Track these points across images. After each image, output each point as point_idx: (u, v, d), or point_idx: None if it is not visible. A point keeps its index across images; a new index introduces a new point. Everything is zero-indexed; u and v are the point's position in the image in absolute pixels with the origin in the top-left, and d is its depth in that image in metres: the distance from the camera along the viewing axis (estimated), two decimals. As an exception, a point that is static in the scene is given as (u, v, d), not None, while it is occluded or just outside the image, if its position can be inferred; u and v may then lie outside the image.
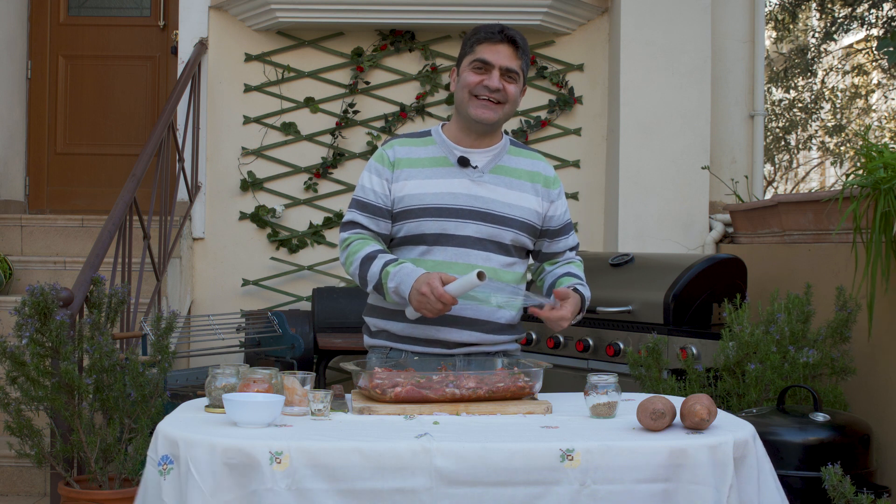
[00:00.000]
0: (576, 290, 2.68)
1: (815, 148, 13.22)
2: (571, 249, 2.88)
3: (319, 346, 5.11)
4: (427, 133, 2.81)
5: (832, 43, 10.91)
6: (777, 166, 13.48)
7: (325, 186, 5.89)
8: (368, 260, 2.64)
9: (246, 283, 5.81)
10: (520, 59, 2.70)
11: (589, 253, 5.10)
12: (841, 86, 12.97)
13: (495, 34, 2.68)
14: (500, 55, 2.67)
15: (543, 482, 2.03)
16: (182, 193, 5.60)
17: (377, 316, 2.76)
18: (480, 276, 2.43)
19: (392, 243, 2.76)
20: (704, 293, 4.17)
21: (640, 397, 2.54)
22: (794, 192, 14.10)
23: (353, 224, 2.74)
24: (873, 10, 10.13)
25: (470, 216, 2.68)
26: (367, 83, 5.90)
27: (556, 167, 5.87)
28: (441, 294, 2.47)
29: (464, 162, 2.71)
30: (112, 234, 4.27)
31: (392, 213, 2.71)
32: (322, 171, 5.86)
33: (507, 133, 2.95)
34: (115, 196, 5.00)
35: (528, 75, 2.77)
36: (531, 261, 2.89)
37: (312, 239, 5.86)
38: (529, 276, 2.90)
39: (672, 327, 4.05)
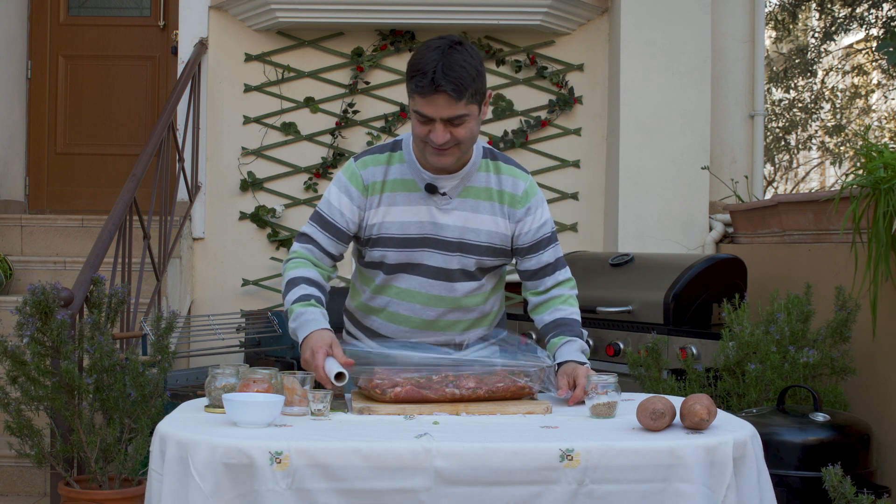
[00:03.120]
0: (569, 360, 2.59)
1: (815, 148, 13.23)
2: (549, 266, 2.71)
3: (319, 346, 5.10)
4: (398, 146, 2.67)
5: (832, 43, 10.92)
6: (777, 166, 13.49)
7: (324, 186, 5.88)
8: (290, 285, 2.60)
9: (246, 283, 5.81)
10: (462, 100, 2.44)
11: (589, 253, 5.11)
12: (841, 86, 12.98)
13: (426, 87, 2.41)
14: (437, 107, 2.44)
15: (542, 482, 2.03)
16: (182, 193, 5.60)
17: (354, 325, 2.83)
18: (339, 377, 2.37)
19: (362, 262, 2.73)
20: (704, 293, 4.17)
21: (640, 397, 2.54)
22: (794, 192, 14.10)
23: (309, 239, 2.67)
24: (873, 11, 10.13)
25: (436, 246, 2.62)
26: (367, 83, 5.90)
27: (555, 167, 5.88)
28: (317, 368, 2.40)
29: (431, 189, 2.61)
30: (112, 234, 4.27)
31: (357, 237, 2.67)
32: (322, 171, 5.86)
33: (493, 139, 2.86)
34: (115, 196, 5.00)
35: (483, 97, 2.52)
36: (507, 272, 2.85)
37: (312, 239, 5.86)
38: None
39: (672, 327, 4.05)
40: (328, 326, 2.52)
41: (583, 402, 2.44)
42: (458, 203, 2.63)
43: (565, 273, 2.76)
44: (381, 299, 2.71)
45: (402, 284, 2.66)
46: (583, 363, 2.58)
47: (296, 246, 2.69)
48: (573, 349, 2.62)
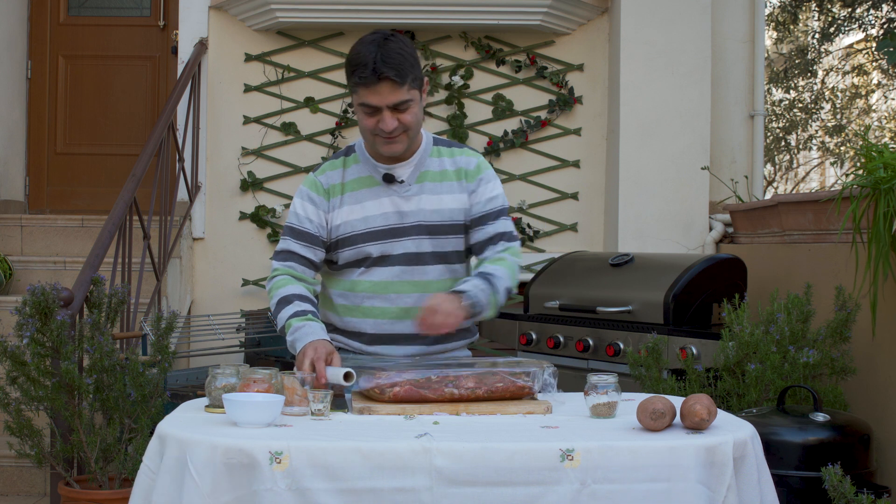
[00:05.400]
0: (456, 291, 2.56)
1: (815, 148, 13.23)
2: (497, 236, 2.71)
3: (319, 346, 5.10)
4: (351, 150, 2.75)
5: (832, 43, 10.92)
6: (777, 166, 13.48)
7: (325, 186, 5.88)
8: (283, 302, 2.64)
9: (246, 283, 5.81)
10: (405, 85, 2.52)
11: (589, 253, 5.11)
12: (841, 86, 12.98)
13: (369, 76, 2.49)
14: (382, 96, 2.52)
15: (544, 482, 2.03)
16: (182, 193, 5.60)
17: (332, 331, 2.79)
18: (347, 377, 2.39)
19: (333, 267, 2.76)
20: (704, 293, 4.17)
21: (640, 397, 2.54)
22: (794, 192, 14.10)
23: (287, 254, 2.72)
24: (872, 11, 10.13)
25: (404, 234, 2.67)
26: (367, 83, 5.89)
27: (555, 167, 5.88)
28: (319, 374, 2.41)
29: (389, 178, 2.68)
30: (112, 234, 4.27)
31: (328, 241, 2.70)
32: (322, 171, 5.86)
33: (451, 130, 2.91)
34: (115, 196, 5.00)
35: (422, 83, 2.60)
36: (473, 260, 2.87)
37: (312, 239, 5.86)
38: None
39: (672, 327, 4.05)
40: (328, 339, 2.55)
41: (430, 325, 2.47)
42: (418, 188, 2.69)
43: (512, 243, 2.73)
44: (354, 297, 2.72)
45: (374, 277, 2.69)
46: (461, 291, 2.55)
47: (275, 264, 2.75)
48: (465, 283, 2.59)
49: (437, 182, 2.70)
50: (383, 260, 2.68)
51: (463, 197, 2.71)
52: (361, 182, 2.70)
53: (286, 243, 2.73)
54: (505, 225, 2.74)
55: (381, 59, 2.49)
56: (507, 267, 2.68)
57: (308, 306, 2.63)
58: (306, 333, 2.54)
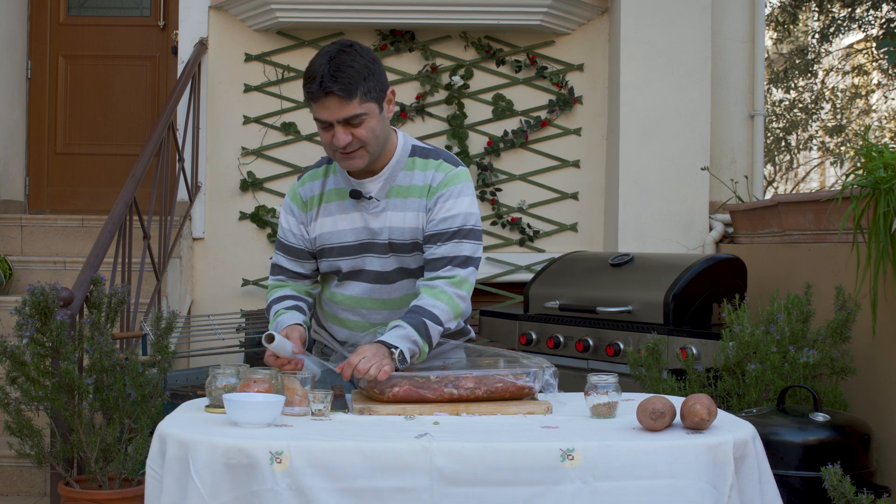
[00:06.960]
0: (381, 342, 2.44)
1: (815, 148, 13.22)
2: (447, 260, 2.57)
3: (319, 346, 5.11)
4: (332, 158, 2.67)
5: (832, 43, 10.92)
6: (777, 166, 13.48)
7: (325, 186, 5.88)
8: (267, 311, 2.75)
9: (246, 283, 5.81)
10: (354, 99, 2.45)
11: (589, 253, 5.11)
12: (841, 86, 12.98)
13: (316, 91, 2.44)
14: (331, 111, 2.46)
15: (544, 482, 2.03)
16: (182, 193, 5.60)
17: (321, 328, 2.85)
18: (268, 338, 2.42)
19: (320, 274, 2.79)
20: (704, 293, 4.17)
21: (640, 397, 2.54)
22: (794, 192, 14.10)
23: (278, 268, 2.77)
24: (872, 11, 10.13)
25: (372, 250, 2.64)
26: (367, 83, 5.89)
27: (555, 167, 5.88)
28: (269, 361, 2.49)
29: (356, 195, 2.62)
30: (112, 234, 4.27)
31: (313, 250, 2.71)
32: (322, 171, 5.86)
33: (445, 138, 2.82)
34: (115, 196, 5.00)
35: (381, 95, 2.52)
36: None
37: (312, 239, 5.86)
38: None
39: (672, 327, 4.05)
40: (290, 322, 2.61)
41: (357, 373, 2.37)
42: (386, 204, 2.63)
43: (458, 271, 2.57)
44: (332, 306, 2.76)
45: (347, 291, 2.70)
46: (392, 345, 2.42)
47: (270, 279, 2.80)
48: (395, 335, 2.46)
49: (403, 198, 2.61)
50: (354, 275, 2.67)
51: (422, 215, 2.60)
52: (337, 194, 2.67)
53: (276, 258, 2.78)
54: (457, 248, 2.57)
55: (328, 73, 2.43)
56: (446, 302, 2.53)
57: (280, 304, 2.70)
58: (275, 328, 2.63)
